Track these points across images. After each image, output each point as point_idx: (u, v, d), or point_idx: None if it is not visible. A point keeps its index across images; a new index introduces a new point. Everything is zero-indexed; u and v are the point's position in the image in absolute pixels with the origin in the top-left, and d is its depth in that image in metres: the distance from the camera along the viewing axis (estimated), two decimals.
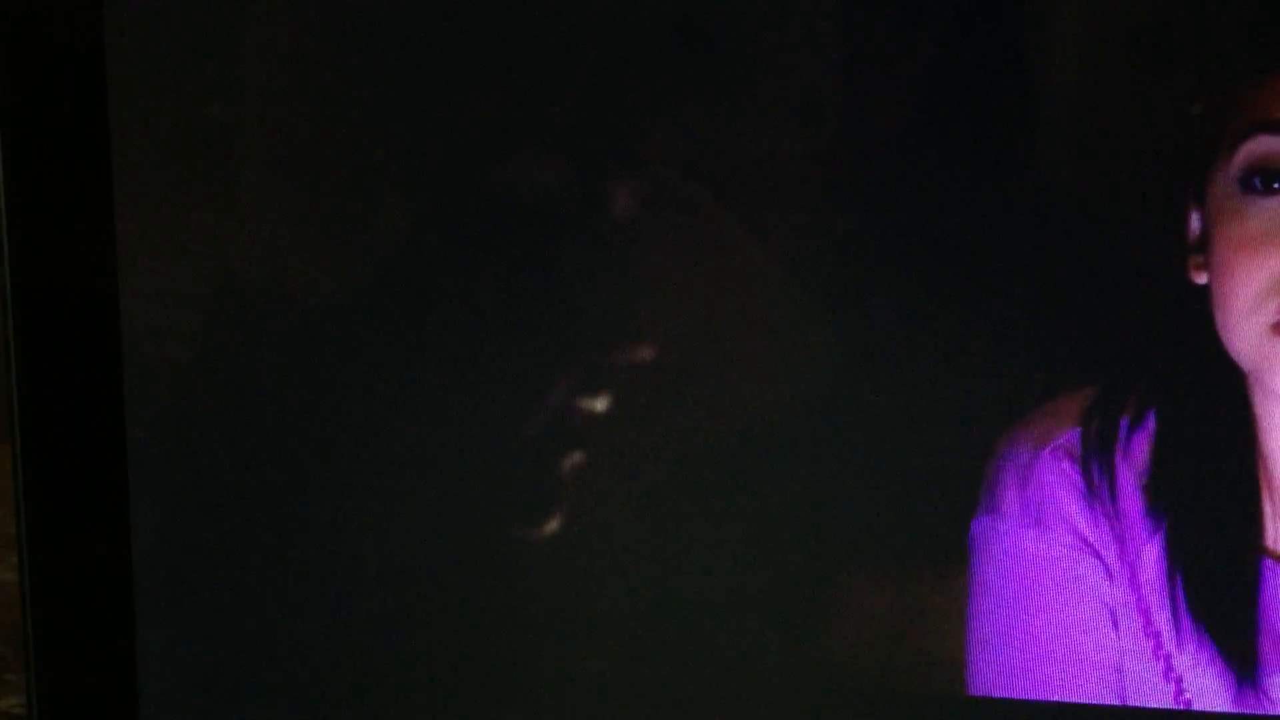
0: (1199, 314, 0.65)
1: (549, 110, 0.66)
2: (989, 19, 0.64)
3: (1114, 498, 0.67)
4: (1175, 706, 0.67)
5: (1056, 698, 0.68)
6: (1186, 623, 0.67)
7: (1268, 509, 0.66)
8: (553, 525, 0.69)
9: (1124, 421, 0.66)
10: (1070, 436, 0.67)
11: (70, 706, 0.70)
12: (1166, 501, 0.67)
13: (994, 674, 0.68)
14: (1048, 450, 0.67)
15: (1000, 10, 0.64)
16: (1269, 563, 0.66)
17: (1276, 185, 0.64)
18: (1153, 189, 0.64)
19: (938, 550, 0.68)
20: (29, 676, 0.69)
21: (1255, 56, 0.63)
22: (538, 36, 0.65)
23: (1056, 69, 0.64)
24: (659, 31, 0.65)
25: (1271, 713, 0.67)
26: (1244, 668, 0.67)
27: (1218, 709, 0.67)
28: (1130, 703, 0.68)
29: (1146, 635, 0.67)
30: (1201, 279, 0.65)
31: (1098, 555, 0.67)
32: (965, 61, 0.64)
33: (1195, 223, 0.65)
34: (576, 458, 0.68)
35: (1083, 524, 0.67)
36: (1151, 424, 0.66)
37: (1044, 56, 0.64)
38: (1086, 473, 0.67)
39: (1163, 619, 0.67)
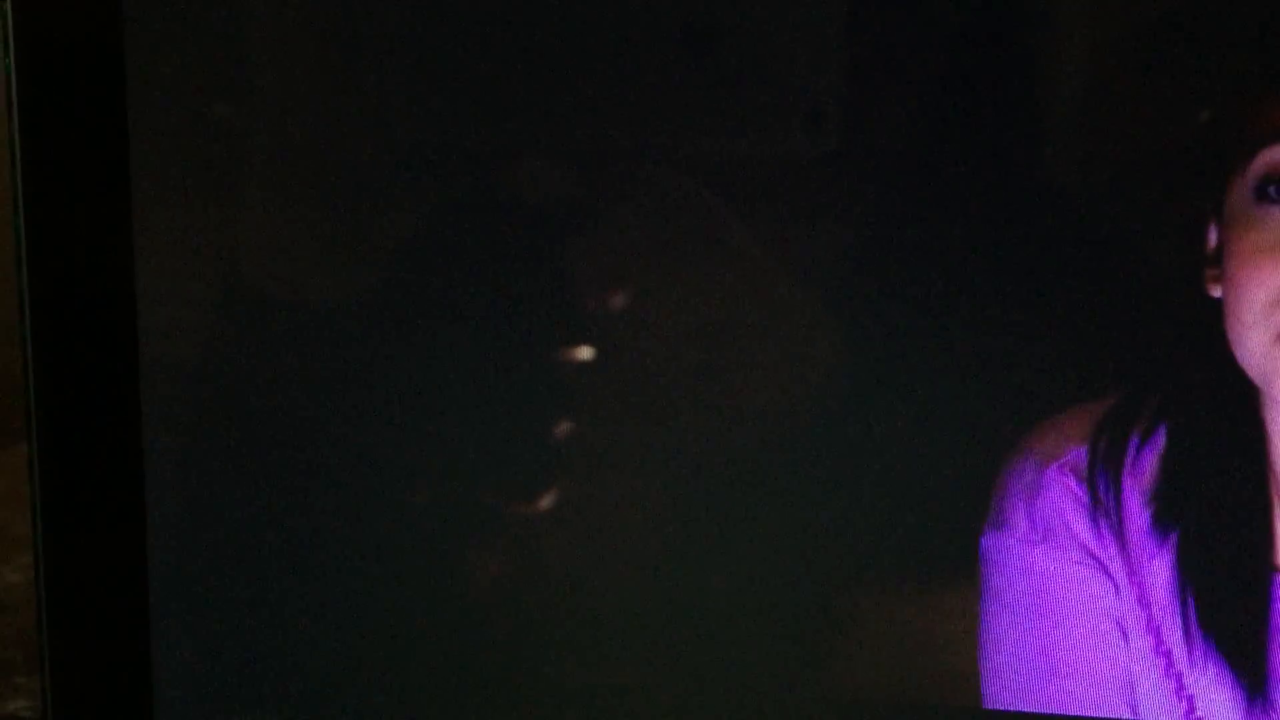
0: (1214, 327, 0.65)
1: (558, 114, 0.66)
2: (1006, 26, 0.64)
3: (1120, 517, 0.67)
4: None
5: (1070, 712, 0.68)
6: (1197, 640, 0.67)
7: (1278, 526, 0.66)
8: (566, 535, 0.69)
9: (1134, 440, 0.66)
10: (1077, 454, 0.67)
11: (84, 710, 0.70)
12: (1175, 518, 0.66)
13: (1008, 689, 0.68)
14: (1054, 467, 0.67)
15: (1017, 18, 0.64)
16: None
17: None
18: (1171, 201, 0.64)
19: (949, 563, 0.67)
20: (42, 680, 0.69)
21: (1272, 65, 0.63)
22: (546, 41, 0.65)
23: (1073, 77, 0.64)
24: (664, 33, 0.65)
25: None
26: (1254, 685, 0.67)
27: None
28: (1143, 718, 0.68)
29: (1158, 654, 0.67)
30: (1218, 292, 0.65)
31: (1106, 570, 0.67)
32: (979, 68, 0.64)
33: (1213, 235, 0.64)
34: (589, 468, 0.68)
35: (1090, 540, 0.67)
36: (1161, 440, 0.66)
37: (1060, 64, 0.64)
38: (1093, 491, 0.67)
39: (1174, 638, 0.67)
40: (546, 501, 0.68)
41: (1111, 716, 0.68)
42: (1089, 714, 0.68)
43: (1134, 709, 0.67)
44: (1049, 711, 0.68)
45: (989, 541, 0.67)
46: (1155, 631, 0.67)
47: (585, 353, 0.67)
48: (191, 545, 0.70)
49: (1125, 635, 0.67)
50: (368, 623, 0.70)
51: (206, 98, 0.67)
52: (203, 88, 0.67)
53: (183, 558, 0.70)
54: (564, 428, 0.68)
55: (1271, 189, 0.63)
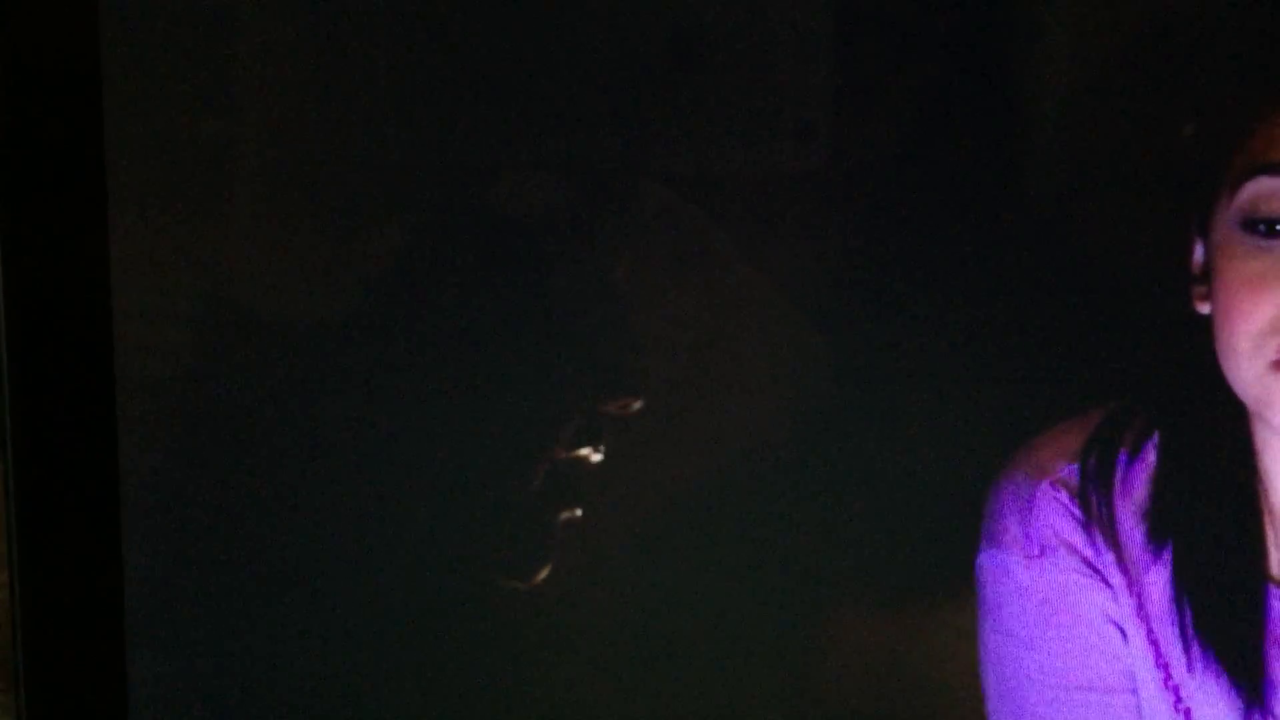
0: (1201, 343, 0.65)
1: (545, 128, 0.65)
2: (995, 42, 0.64)
3: (1114, 532, 0.67)
4: None
5: None
6: (1195, 652, 0.67)
7: (1271, 539, 0.66)
8: (554, 552, 0.69)
9: (1122, 456, 0.66)
10: (1068, 471, 0.67)
11: None
12: (1168, 533, 0.66)
13: (1011, 705, 0.68)
14: (1046, 483, 0.67)
15: (1006, 34, 0.64)
16: (1275, 590, 0.66)
17: (1278, 228, 0.64)
18: (1156, 220, 0.64)
19: (943, 581, 0.67)
20: (18, 697, 0.69)
21: (1258, 96, 0.63)
22: (534, 55, 0.65)
23: (1059, 94, 0.64)
24: (652, 46, 0.65)
25: None
26: (1252, 696, 0.67)
27: None
28: None
29: (1157, 666, 0.67)
30: (1205, 309, 0.65)
31: (1105, 580, 0.67)
32: (967, 83, 0.64)
33: (1199, 254, 0.65)
34: (576, 485, 0.68)
35: (1088, 552, 0.67)
36: (1150, 456, 0.66)
37: (1047, 80, 0.64)
38: (1085, 507, 0.67)
39: (1172, 650, 0.67)
40: (533, 517, 0.68)
41: None
42: None
43: (1139, 713, 0.67)
44: None
45: (986, 559, 0.67)
46: (1154, 643, 0.67)
47: (572, 367, 0.67)
48: (167, 561, 0.70)
49: (1127, 640, 0.67)
50: (344, 640, 0.70)
51: (184, 110, 0.67)
52: (180, 100, 0.67)
53: (158, 573, 0.70)
54: (550, 442, 0.68)
55: (1261, 225, 0.63)
